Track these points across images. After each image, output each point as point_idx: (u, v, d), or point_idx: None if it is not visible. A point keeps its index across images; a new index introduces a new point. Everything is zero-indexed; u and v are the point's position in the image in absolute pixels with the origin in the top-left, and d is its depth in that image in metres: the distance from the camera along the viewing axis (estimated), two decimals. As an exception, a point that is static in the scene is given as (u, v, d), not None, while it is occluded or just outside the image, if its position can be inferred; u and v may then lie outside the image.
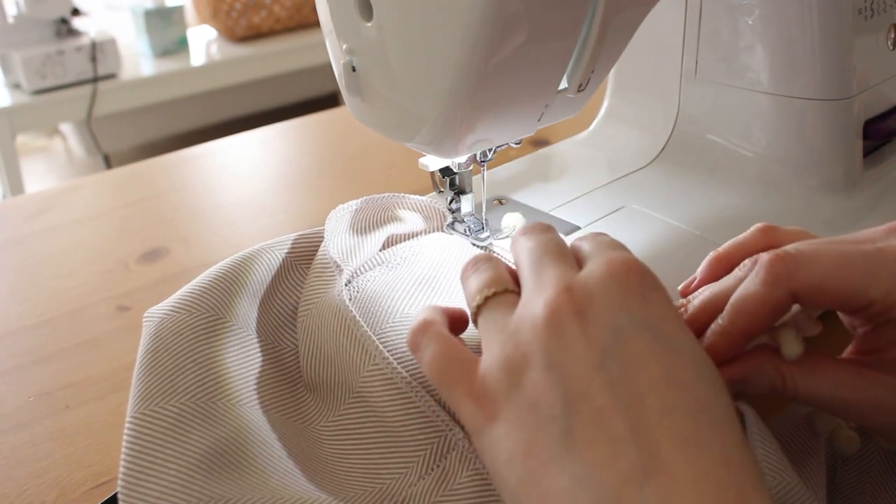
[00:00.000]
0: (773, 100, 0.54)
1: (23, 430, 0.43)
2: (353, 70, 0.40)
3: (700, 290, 0.35)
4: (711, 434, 0.25)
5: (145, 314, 0.36)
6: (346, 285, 0.38)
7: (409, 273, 0.41)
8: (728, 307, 0.31)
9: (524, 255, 0.32)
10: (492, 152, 0.46)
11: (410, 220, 0.45)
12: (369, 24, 0.37)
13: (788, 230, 0.35)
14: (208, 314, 0.36)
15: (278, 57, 2.38)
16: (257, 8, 2.37)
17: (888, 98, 0.56)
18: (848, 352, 0.34)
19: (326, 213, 0.42)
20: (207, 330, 0.36)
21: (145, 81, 2.16)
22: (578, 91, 0.39)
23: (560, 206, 0.55)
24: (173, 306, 0.36)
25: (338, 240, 0.41)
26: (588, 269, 0.30)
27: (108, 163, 2.51)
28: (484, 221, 0.49)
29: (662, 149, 0.61)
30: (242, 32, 2.38)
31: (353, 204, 0.44)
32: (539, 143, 0.74)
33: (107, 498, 0.37)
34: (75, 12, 2.04)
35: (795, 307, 0.32)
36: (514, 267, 0.34)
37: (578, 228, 0.52)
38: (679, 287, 0.37)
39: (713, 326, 0.32)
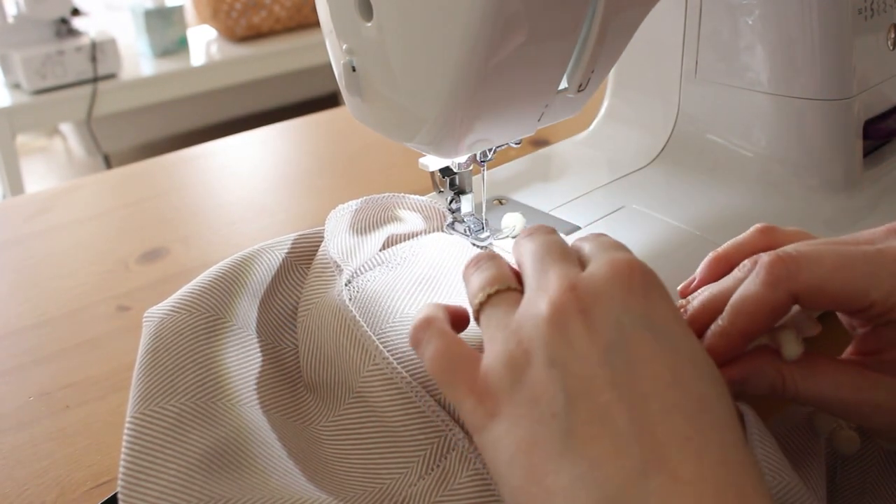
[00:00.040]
0: (773, 100, 0.54)
1: (23, 430, 0.43)
2: (353, 70, 0.40)
3: (700, 291, 0.35)
4: (712, 434, 0.25)
5: (145, 314, 0.36)
6: (346, 285, 0.38)
7: (409, 273, 0.41)
8: (728, 308, 0.31)
9: (527, 256, 0.32)
10: (492, 152, 0.47)
11: (410, 220, 0.45)
12: (369, 24, 0.37)
13: (788, 230, 0.35)
14: (208, 314, 0.36)
15: (278, 57, 2.38)
16: (257, 8, 2.37)
17: (888, 98, 0.56)
18: (848, 353, 0.34)
19: (326, 213, 0.42)
20: (207, 330, 0.36)
21: (145, 81, 2.16)
22: (578, 91, 0.39)
23: (560, 206, 0.55)
24: (173, 306, 0.36)
25: (338, 240, 0.41)
26: (591, 269, 0.30)
27: (108, 163, 2.51)
28: (484, 221, 0.49)
29: (662, 149, 0.61)
30: (242, 32, 2.38)
31: (353, 204, 0.44)
32: (539, 143, 0.74)
33: (107, 498, 0.37)
34: (75, 12, 2.04)
35: (795, 308, 0.32)
36: (516, 267, 0.34)
37: (578, 228, 0.52)
38: (679, 287, 0.37)
39: (713, 327, 0.32)
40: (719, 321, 0.32)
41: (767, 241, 0.35)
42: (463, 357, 0.30)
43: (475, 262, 0.34)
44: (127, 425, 0.31)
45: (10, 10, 1.98)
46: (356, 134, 0.82)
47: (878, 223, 0.33)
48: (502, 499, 0.30)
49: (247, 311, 0.38)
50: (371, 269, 0.41)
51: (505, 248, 0.48)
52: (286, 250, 0.41)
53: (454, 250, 0.44)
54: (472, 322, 0.34)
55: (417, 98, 0.37)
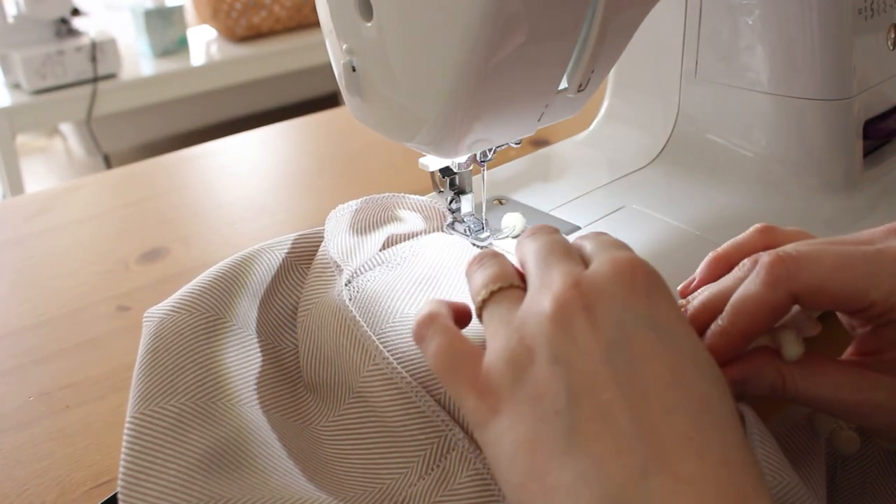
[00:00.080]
0: (773, 100, 0.54)
1: (23, 430, 0.43)
2: (353, 70, 0.40)
3: (700, 291, 0.35)
4: (714, 433, 0.25)
5: (145, 314, 0.36)
6: (346, 285, 0.38)
7: (409, 273, 0.41)
8: (728, 308, 0.31)
9: (530, 255, 0.32)
10: (492, 152, 0.47)
11: (410, 220, 0.45)
12: (369, 24, 0.37)
13: (787, 230, 0.35)
14: (208, 314, 0.36)
15: (278, 57, 2.38)
16: (257, 8, 2.37)
17: (888, 98, 0.56)
18: (848, 353, 0.34)
19: (326, 213, 0.42)
20: (207, 330, 0.36)
21: (145, 81, 2.16)
22: (578, 91, 0.39)
23: (560, 206, 0.55)
24: (173, 306, 0.36)
25: (338, 240, 0.41)
26: (594, 267, 0.30)
27: (108, 163, 2.51)
28: (484, 221, 0.49)
29: (662, 149, 0.61)
30: (242, 32, 2.38)
31: (353, 204, 0.44)
32: (539, 143, 0.74)
33: (107, 498, 0.37)
34: (75, 12, 2.04)
35: (795, 308, 0.32)
36: (519, 268, 0.34)
37: (578, 228, 0.52)
38: (679, 287, 0.37)
39: (713, 327, 0.32)
40: (719, 321, 0.32)
41: (767, 241, 0.35)
42: (465, 353, 0.30)
43: (478, 260, 0.34)
44: (127, 425, 0.31)
45: (10, 10, 1.98)
46: (356, 134, 0.82)
47: (878, 223, 0.33)
48: (503, 496, 0.31)
49: (247, 311, 0.38)
50: (371, 269, 0.41)
51: (505, 248, 0.48)
52: (286, 250, 0.41)
53: (454, 250, 0.44)
54: (475, 320, 0.34)
55: (417, 98, 0.37)
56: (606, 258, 0.30)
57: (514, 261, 0.34)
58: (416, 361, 0.34)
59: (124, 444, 0.31)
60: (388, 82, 0.38)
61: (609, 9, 0.36)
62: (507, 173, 0.60)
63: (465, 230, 0.48)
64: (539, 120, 0.41)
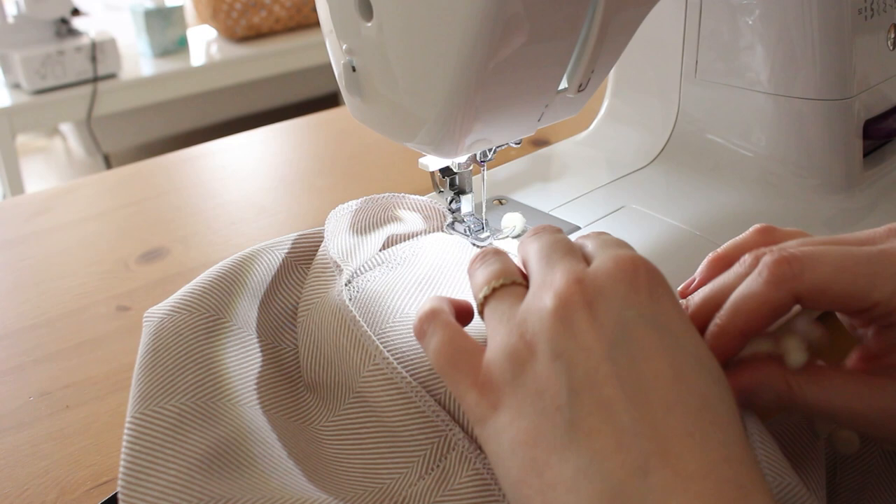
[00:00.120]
0: (773, 100, 0.54)
1: (23, 430, 0.43)
2: (353, 70, 0.40)
3: (700, 290, 0.35)
4: (714, 430, 0.25)
5: (145, 314, 0.36)
6: (346, 285, 0.38)
7: (409, 273, 0.41)
8: (728, 305, 0.31)
9: (532, 254, 0.32)
10: (492, 152, 0.47)
11: (410, 220, 0.45)
12: (369, 24, 0.37)
13: (787, 231, 0.35)
14: (208, 314, 0.36)
15: (278, 57, 2.38)
16: (257, 8, 2.38)
17: (888, 98, 0.56)
18: (852, 359, 0.34)
19: (326, 213, 0.42)
20: (207, 330, 0.36)
21: (145, 81, 2.16)
22: (578, 91, 0.39)
23: (560, 206, 0.55)
24: (173, 306, 0.36)
25: (338, 240, 0.41)
26: (596, 265, 0.30)
27: (108, 163, 2.52)
28: (484, 221, 0.49)
29: (662, 149, 0.61)
30: (242, 32, 2.38)
31: (353, 204, 0.44)
32: (539, 143, 0.74)
33: (107, 498, 0.37)
34: (75, 12, 2.04)
35: (796, 308, 0.32)
36: (521, 267, 0.34)
37: (578, 228, 0.52)
38: (679, 288, 0.37)
39: (711, 325, 0.32)
40: (717, 319, 0.32)
41: (767, 241, 0.35)
42: (466, 349, 0.30)
43: (481, 258, 0.34)
44: (127, 425, 0.31)
45: (10, 10, 1.98)
46: (356, 134, 0.82)
47: (878, 223, 0.33)
48: (504, 495, 0.31)
49: (247, 311, 0.38)
50: (371, 269, 0.41)
51: (506, 248, 0.48)
52: (286, 250, 0.41)
53: (454, 250, 0.44)
54: (476, 319, 0.34)
55: (417, 98, 0.37)
56: (608, 256, 0.30)
57: (517, 260, 0.34)
58: (416, 361, 0.34)
59: (124, 443, 0.31)
60: (388, 82, 0.38)
61: (609, 9, 0.36)
62: (507, 173, 0.60)
63: (465, 230, 0.48)
64: (539, 120, 0.41)
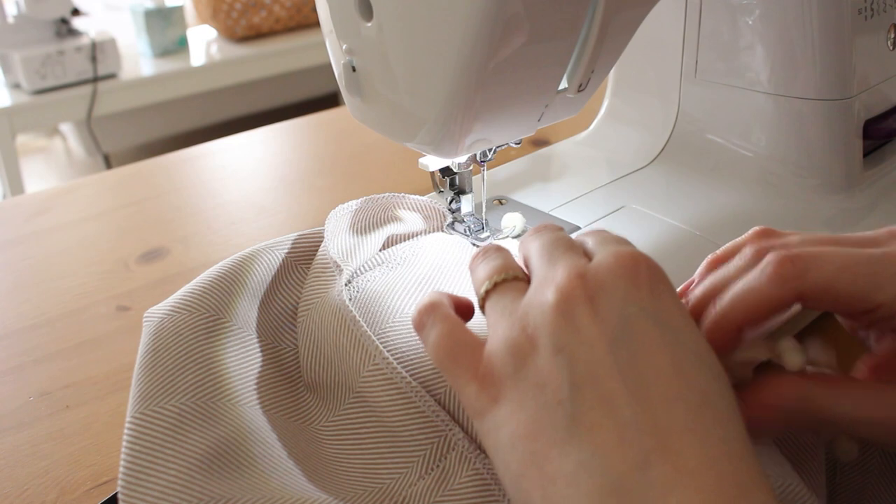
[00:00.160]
0: (773, 100, 0.54)
1: (23, 430, 0.43)
2: (353, 70, 0.40)
3: (701, 284, 0.34)
4: (715, 426, 0.25)
5: (145, 314, 0.36)
6: (345, 285, 0.38)
7: (409, 273, 0.41)
8: (728, 297, 0.31)
9: (534, 250, 0.32)
10: (492, 152, 0.47)
11: (410, 220, 0.45)
12: (369, 24, 0.37)
13: (786, 234, 0.35)
14: (208, 314, 0.36)
15: (278, 57, 2.38)
16: (257, 8, 2.38)
17: (888, 98, 0.56)
18: (861, 370, 0.33)
19: (326, 213, 0.42)
20: (207, 330, 0.36)
21: (145, 81, 2.16)
22: (578, 91, 0.39)
23: (560, 206, 0.55)
24: (173, 306, 0.36)
25: (338, 240, 0.41)
26: (598, 260, 0.30)
27: (108, 163, 2.52)
28: (484, 221, 0.49)
29: (662, 149, 0.61)
30: (242, 32, 2.38)
31: (353, 204, 0.44)
32: (539, 143, 0.74)
33: (107, 498, 0.37)
34: (75, 12, 2.03)
35: (796, 307, 0.32)
36: (522, 265, 0.34)
37: (578, 228, 0.52)
38: (678, 289, 0.37)
39: (708, 316, 0.32)
40: (716, 309, 0.31)
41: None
42: (466, 342, 0.31)
43: (482, 254, 0.34)
44: (127, 425, 0.31)
45: (10, 10, 1.98)
46: (356, 134, 0.82)
47: (878, 223, 0.33)
48: (504, 495, 0.31)
49: (247, 311, 0.38)
50: (371, 269, 0.41)
51: (506, 247, 0.48)
52: (286, 250, 0.41)
53: (454, 250, 0.44)
54: (476, 317, 0.34)
55: (417, 98, 0.37)
56: (610, 252, 0.30)
57: (519, 258, 0.34)
58: (416, 361, 0.34)
59: (124, 443, 0.31)
60: (388, 82, 0.38)
61: (609, 9, 0.36)
62: (507, 173, 0.60)
63: (465, 230, 0.48)
64: (539, 120, 0.41)
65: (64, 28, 2.01)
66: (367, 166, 0.75)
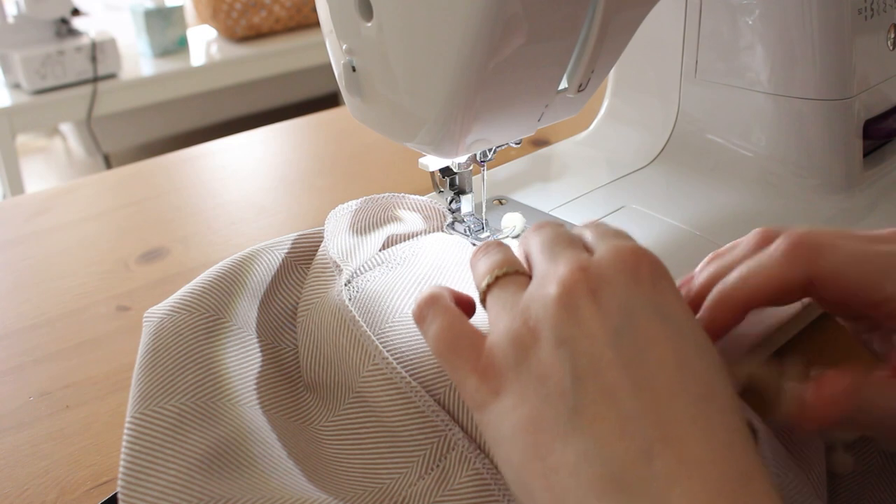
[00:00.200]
0: (773, 100, 0.54)
1: (23, 430, 0.43)
2: (353, 70, 0.40)
3: (707, 267, 0.34)
4: (717, 417, 0.25)
5: (145, 314, 0.36)
6: (345, 285, 0.38)
7: (409, 273, 0.41)
8: (737, 274, 0.31)
9: (535, 246, 0.32)
10: (492, 152, 0.47)
11: (410, 220, 0.45)
12: (369, 24, 0.37)
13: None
14: (208, 314, 0.36)
15: (278, 57, 2.38)
16: (257, 8, 2.38)
17: (888, 98, 0.56)
18: (883, 376, 0.33)
19: (326, 213, 0.42)
20: (207, 330, 0.36)
21: (145, 81, 2.16)
22: (578, 91, 0.39)
23: (560, 206, 0.55)
24: (173, 306, 0.36)
25: (338, 240, 0.41)
26: (599, 255, 0.30)
27: (108, 163, 2.52)
28: (484, 221, 0.49)
29: (662, 149, 0.61)
30: (242, 32, 2.38)
31: (353, 204, 0.44)
32: (539, 143, 0.74)
33: (107, 498, 0.37)
34: (75, 12, 2.03)
35: (795, 306, 0.32)
36: (523, 261, 0.34)
37: (578, 228, 0.52)
38: (679, 283, 0.37)
39: (713, 292, 0.32)
40: (723, 285, 0.31)
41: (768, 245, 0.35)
42: (467, 334, 0.31)
43: (483, 249, 0.34)
44: (127, 425, 0.31)
45: (10, 10, 1.98)
46: (356, 134, 0.82)
47: (877, 223, 0.33)
48: (504, 495, 0.31)
49: (247, 311, 0.38)
50: (371, 269, 0.41)
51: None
52: (286, 250, 0.41)
53: (454, 250, 0.44)
54: (476, 315, 0.34)
55: (417, 98, 0.37)
56: (611, 246, 0.30)
57: (520, 255, 0.34)
58: (415, 361, 0.34)
59: (124, 443, 0.31)
60: (388, 82, 0.38)
61: (609, 9, 0.36)
62: (507, 173, 0.60)
63: (465, 230, 0.48)
64: (539, 120, 0.41)
65: (64, 28, 2.01)
66: (367, 166, 0.75)
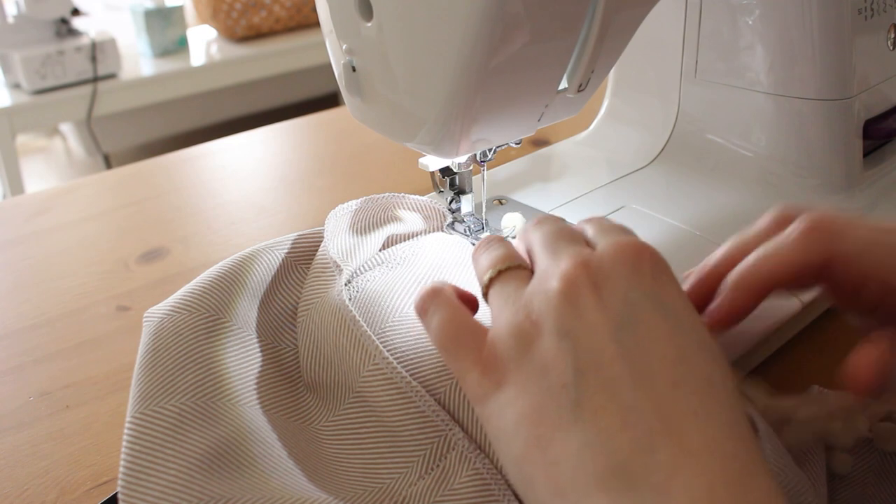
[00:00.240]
0: (773, 100, 0.54)
1: (23, 430, 0.43)
2: (353, 70, 0.40)
3: (720, 248, 0.34)
4: (718, 409, 0.25)
5: (145, 314, 0.36)
6: (345, 285, 0.38)
7: (409, 273, 0.41)
8: (754, 255, 0.31)
9: (537, 240, 0.33)
10: (492, 152, 0.47)
11: (410, 220, 0.45)
12: (369, 24, 0.37)
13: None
14: (208, 314, 0.36)
15: (278, 57, 2.38)
16: (257, 8, 2.38)
17: (888, 98, 0.56)
18: None
19: (326, 213, 0.42)
20: (207, 330, 0.36)
21: (145, 81, 2.16)
22: (578, 91, 0.39)
23: (560, 206, 0.55)
24: (173, 306, 0.36)
25: (338, 240, 0.41)
26: (601, 249, 0.30)
27: (108, 163, 2.52)
28: (484, 221, 0.49)
29: (662, 149, 0.61)
30: (242, 32, 2.38)
31: (353, 204, 0.44)
32: (539, 143, 0.74)
33: (107, 498, 0.37)
34: (75, 12, 2.03)
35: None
36: (524, 256, 0.34)
37: (578, 228, 0.52)
38: (684, 274, 0.37)
39: (731, 274, 0.32)
40: (741, 267, 0.31)
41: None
42: (469, 327, 0.31)
43: (485, 244, 0.34)
44: (127, 425, 0.31)
45: (10, 10, 1.98)
46: (356, 134, 0.82)
47: (877, 223, 0.33)
48: (504, 495, 0.31)
49: (247, 311, 0.38)
50: (371, 269, 0.41)
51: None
52: (286, 250, 0.41)
53: (454, 250, 0.44)
54: (480, 312, 0.34)
55: (417, 98, 0.37)
56: (613, 241, 0.30)
57: (521, 250, 0.34)
58: (416, 361, 0.34)
59: (124, 443, 0.31)
60: (388, 82, 0.38)
61: (609, 9, 0.36)
62: (507, 173, 0.60)
63: (465, 230, 0.48)
64: (539, 120, 0.41)
65: (64, 28, 2.01)
66: (367, 166, 0.75)
